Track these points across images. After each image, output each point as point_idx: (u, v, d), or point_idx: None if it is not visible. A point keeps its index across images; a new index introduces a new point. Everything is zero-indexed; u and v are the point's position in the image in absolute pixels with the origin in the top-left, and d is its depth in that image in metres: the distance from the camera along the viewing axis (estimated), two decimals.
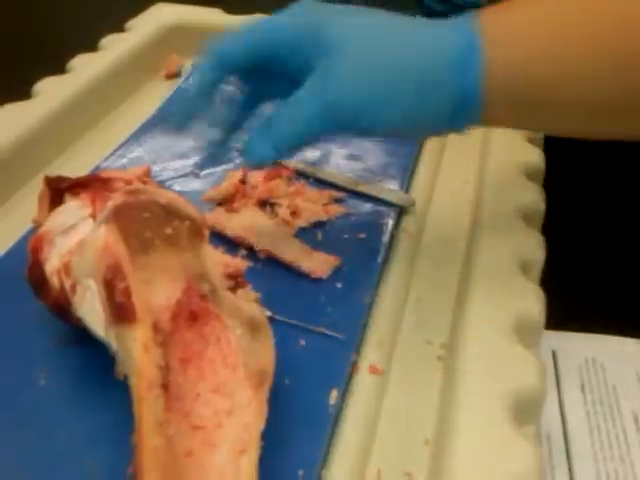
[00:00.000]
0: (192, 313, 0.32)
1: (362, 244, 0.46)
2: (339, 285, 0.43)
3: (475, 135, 0.59)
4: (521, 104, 0.35)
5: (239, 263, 0.35)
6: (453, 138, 0.59)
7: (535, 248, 0.43)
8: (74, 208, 0.36)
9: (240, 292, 0.34)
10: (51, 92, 0.58)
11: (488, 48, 0.34)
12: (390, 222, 0.48)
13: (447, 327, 0.41)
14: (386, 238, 0.47)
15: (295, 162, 0.53)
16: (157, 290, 0.31)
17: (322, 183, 0.52)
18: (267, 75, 0.38)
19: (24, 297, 0.37)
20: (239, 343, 0.32)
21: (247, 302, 0.33)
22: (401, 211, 0.50)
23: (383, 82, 0.35)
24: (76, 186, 0.38)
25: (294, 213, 0.48)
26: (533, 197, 0.48)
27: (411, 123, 0.36)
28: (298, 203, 0.49)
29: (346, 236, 0.47)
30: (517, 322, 0.37)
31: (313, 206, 0.49)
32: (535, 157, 0.52)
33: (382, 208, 0.49)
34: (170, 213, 0.33)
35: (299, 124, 0.36)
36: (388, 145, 0.56)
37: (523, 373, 0.34)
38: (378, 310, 0.42)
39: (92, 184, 0.38)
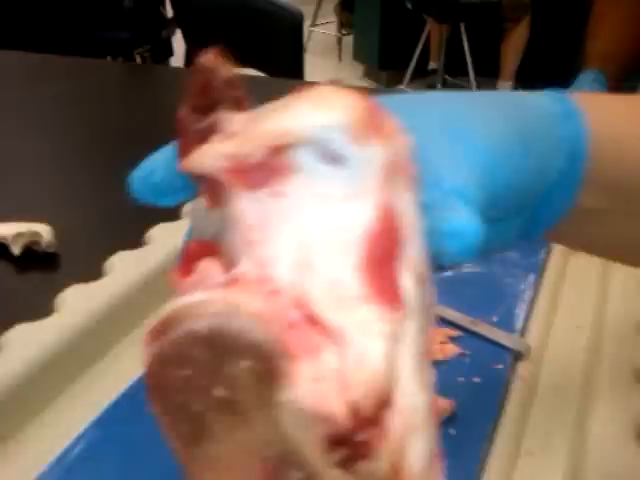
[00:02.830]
0: None
1: (477, 389, 0.48)
2: (452, 431, 0.44)
3: (593, 278, 0.60)
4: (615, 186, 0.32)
5: (339, 414, 0.19)
6: (570, 280, 0.61)
7: None
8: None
9: (361, 465, 0.20)
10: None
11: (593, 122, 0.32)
12: (506, 368, 0.49)
13: None
14: (501, 385, 0.48)
15: None
16: None
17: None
18: None
19: None
20: None
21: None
22: (516, 356, 0.51)
23: None
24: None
25: None
26: None
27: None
28: None
29: (461, 379, 0.49)
30: None
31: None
32: None
33: (498, 350, 0.51)
34: (218, 351, 0.20)
35: None
36: (504, 281, 0.58)
37: None
38: (490, 462, 0.43)
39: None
